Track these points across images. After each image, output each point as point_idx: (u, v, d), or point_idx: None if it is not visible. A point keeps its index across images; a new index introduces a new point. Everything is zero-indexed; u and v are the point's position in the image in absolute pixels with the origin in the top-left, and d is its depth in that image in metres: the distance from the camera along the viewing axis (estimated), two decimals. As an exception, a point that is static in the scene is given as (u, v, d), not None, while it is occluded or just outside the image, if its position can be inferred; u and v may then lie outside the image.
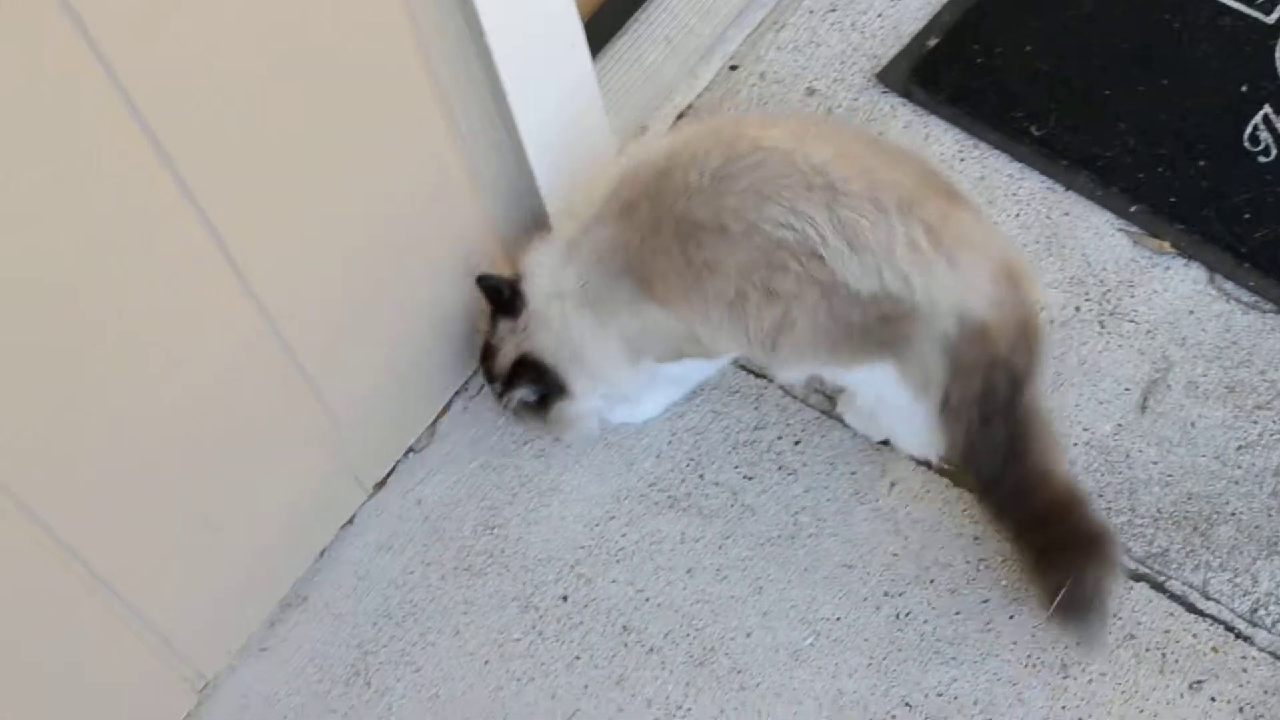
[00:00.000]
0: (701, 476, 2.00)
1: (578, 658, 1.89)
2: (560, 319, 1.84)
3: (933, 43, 2.27)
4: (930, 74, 2.24)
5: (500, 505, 2.00)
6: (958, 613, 1.87)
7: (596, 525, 1.98)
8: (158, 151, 1.43)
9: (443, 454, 2.05)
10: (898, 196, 1.66)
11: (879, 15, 2.33)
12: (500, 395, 1.92)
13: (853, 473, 1.98)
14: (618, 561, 1.95)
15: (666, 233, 1.72)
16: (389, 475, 2.04)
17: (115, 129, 1.39)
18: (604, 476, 2.00)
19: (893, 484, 1.96)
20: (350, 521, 2.01)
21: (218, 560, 1.84)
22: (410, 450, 2.06)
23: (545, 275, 1.85)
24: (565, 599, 1.93)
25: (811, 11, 2.34)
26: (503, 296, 1.89)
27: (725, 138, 1.72)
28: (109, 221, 1.43)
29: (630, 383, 1.92)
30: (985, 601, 1.87)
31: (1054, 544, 1.75)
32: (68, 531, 1.58)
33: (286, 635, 1.95)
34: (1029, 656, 1.83)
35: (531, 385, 1.89)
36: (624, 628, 1.90)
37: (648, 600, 1.92)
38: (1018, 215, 2.11)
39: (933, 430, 1.75)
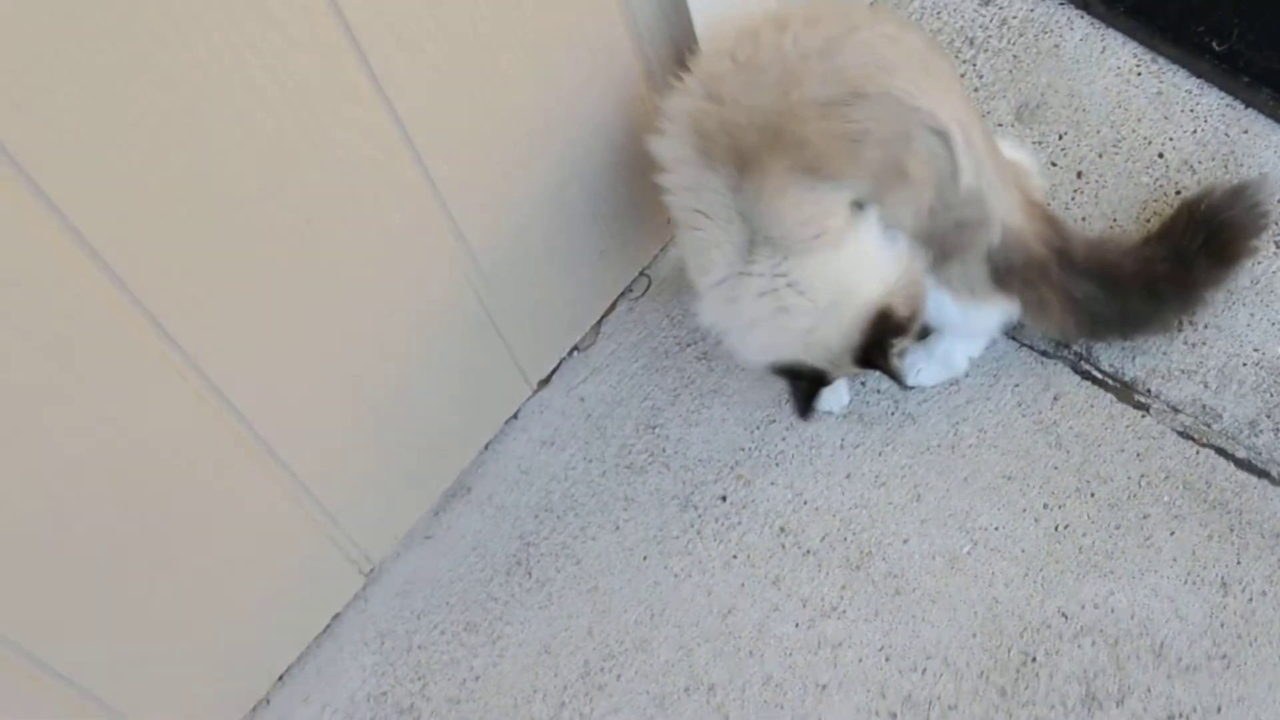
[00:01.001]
0: (864, 384, 2.00)
1: (735, 556, 1.92)
2: (827, 286, 1.71)
3: (1115, -45, 2.22)
4: None
5: (662, 405, 2.02)
6: (1117, 527, 1.86)
7: (757, 428, 2.00)
8: (349, 40, 1.46)
9: (606, 354, 2.08)
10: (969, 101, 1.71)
11: (1060, -76, 2.28)
12: (893, 373, 1.77)
13: (1016, 385, 1.97)
14: (777, 464, 1.97)
15: (791, 119, 1.61)
16: (554, 373, 2.07)
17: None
18: (765, 380, 1.99)
19: (1056, 397, 1.95)
20: (515, 416, 2.05)
21: (386, 447, 1.87)
22: (575, 349, 2.09)
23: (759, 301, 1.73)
24: (724, 499, 1.96)
25: (989, -79, 2.30)
26: (810, 381, 1.79)
27: (799, 21, 1.65)
28: (292, 96, 1.46)
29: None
30: (1145, 517, 1.87)
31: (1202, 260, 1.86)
32: (248, 409, 1.62)
33: (451, 524, 2.00)
34: (1189, 573, 1.82)
35: (894, 337, 1.74)
36: (781, 529, 1.93)
37: (805, 503, 1.94)
38: (1195, 132, 2.08)
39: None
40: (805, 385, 1.80)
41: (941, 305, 1.79)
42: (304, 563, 1.87)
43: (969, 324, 1.85)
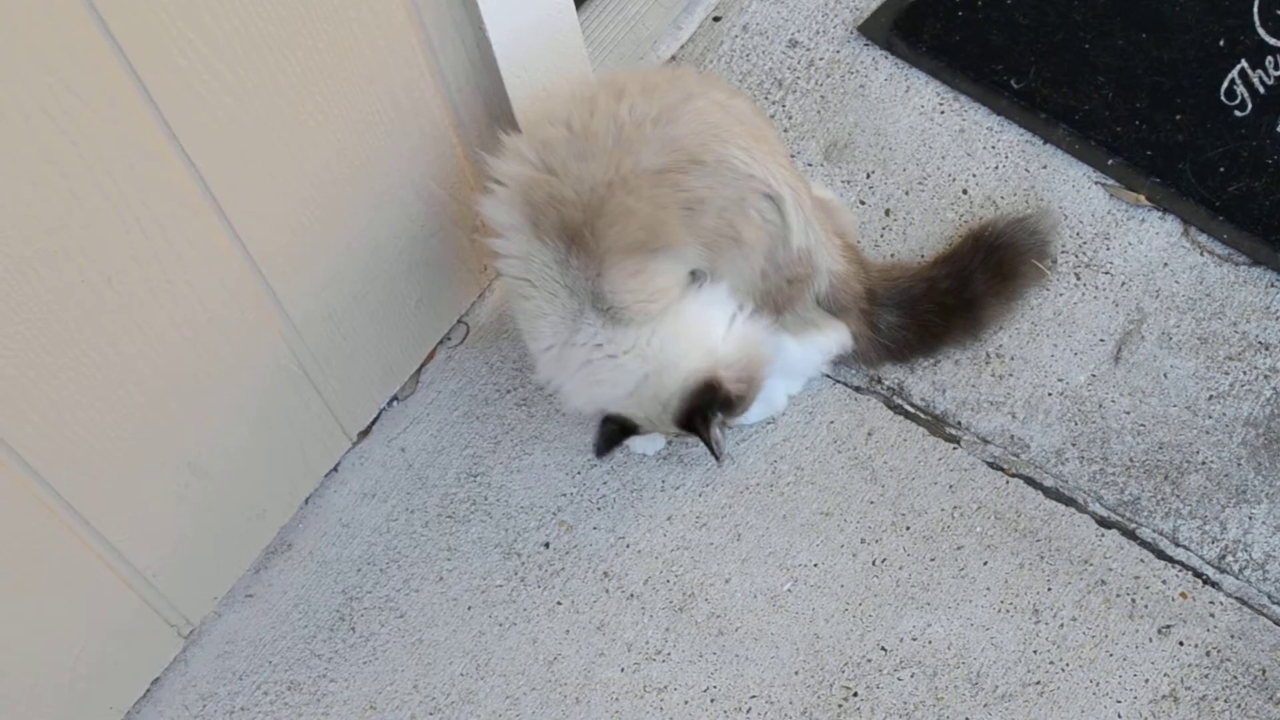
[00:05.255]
0: None
1: (559, 603, 1.90)
2: (643, 357, 1.71)
3: (913, -5, 2.25)
4: (912, 26, 2.22)
5: (483, 453, 2.00)
6: (932, 559, 1.88)
7: (578, 473, 1.98)
8: (134, 81, 1.43)
9: (426, 402, 2.05)
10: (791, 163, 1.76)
11: (861, -33, 2.31)
12: (714, 447, 1.77)
13: (831, 422, 1.98)
14: (599, 509, 1.96)
15: (620, 189, 1.62)
16: (373, 424, 2.04)
17: (90, 53, 1.38)
18: (585, 424, 1.98)
19: (870, 432, 1.96)
20: (335, 470, 2.01)
21: (203, 507, 1.83)
22: (394, 399, 2.06)
23: (628, 359, 1.72)
24: (547, 545, 1.94)
25: (794, -37, 2.32)
26: (620, 432, 1.80)
27: (635, 90, 1.66)
28: (87, 157, 1.43)
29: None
30: (959, 548, 1.88)
31: (989, 285, 1.92)
32: (51, 475, 1.58)
33: (272, 581, 1.96)
34: (1002, 602, 1.84)
35: (719, 412, 1.75)
36: (605, 574, 1.91)
37: (628, 547, 1.93)
38: (996, 168, 2.12)
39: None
40: (614, 429, 1.79)
41: (779, 348, 1.81)
42: (121, 628, 1.82)
43: (808, 358, 1.87)
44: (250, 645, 1.91)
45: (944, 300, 1.91)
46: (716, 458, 1.78)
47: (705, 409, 1.72)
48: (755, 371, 1.75)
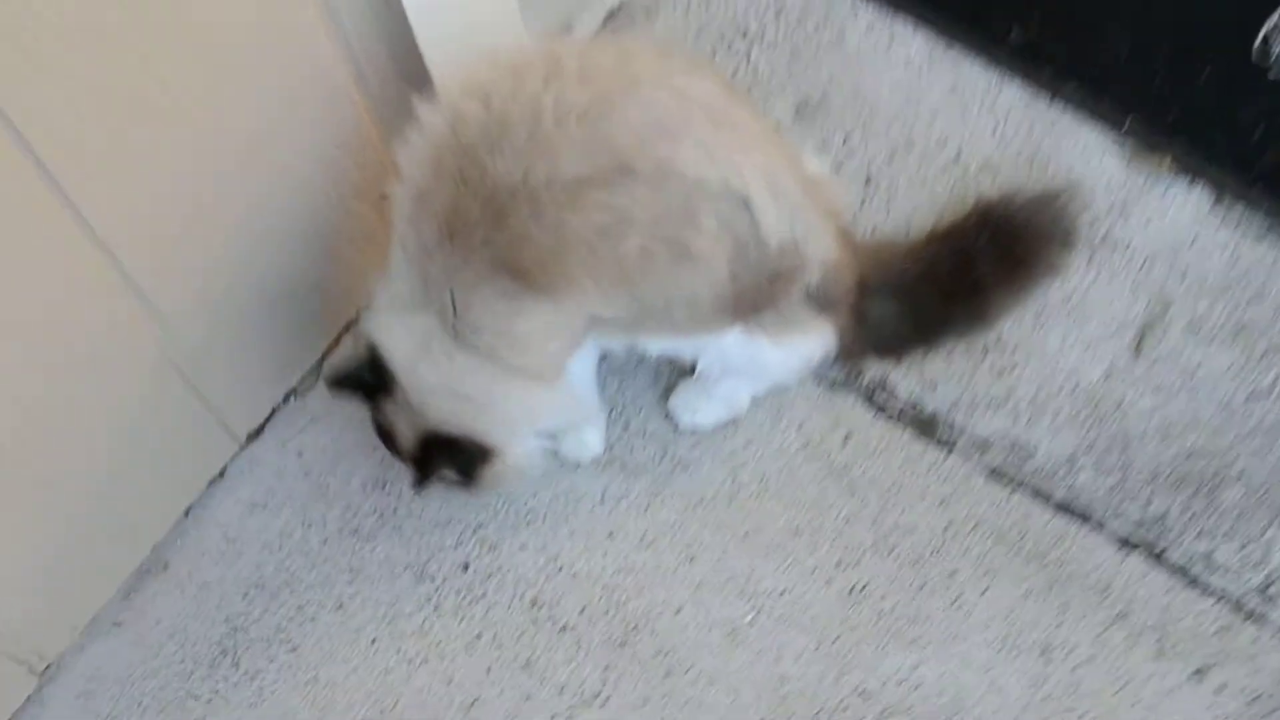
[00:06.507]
0: (626, 426, 1.87)
1: (479, 636, 1.79)
2: (441, 378, 1.60)
3: (899, -68, 2.15)
4: None
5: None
6: (921, 587, 1.76)
7: None
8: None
9: (328, 399, 1.91)
10: (777, 137, 1.63)
11: (837, -102, 2.21)
12: (419, 484, 1.68)
13: (801, 424, 1.85)
14: (527, 524, 1.84)
15: (525, 203, 1.47)
16: (265, 423, 1.93)
17: None
18: None
19: (847, 436, 1.83)
20: (220, 476, 1.90)
21: (61, 520, 1.71)
22: (291, 394, 1.93)
23: (398, 335, 1.60)
24: (466, 567, 1.82)
25: (760, -100, 2.23)
26: (365, 381, 1.64)
27: (570, 73, 1.51)
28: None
29: (556, 412, 1.71)
30: (953, 574, 1.76)
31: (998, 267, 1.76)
32: None
33: (144, 608, 1.84)
34: (1004, 638, 1.73)
35: (450, 464, 1.65)
36: (533, 602, 1.80)
37: (561, 570, 1.82)
38: (994, 130, 1.97)
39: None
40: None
41: (752, 351, 1.67)
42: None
43: (785, 364, 1.73)
44: (117, 683, 1.80)
45: (944, 285, 1.77)
46: (415, 487, 1.69)
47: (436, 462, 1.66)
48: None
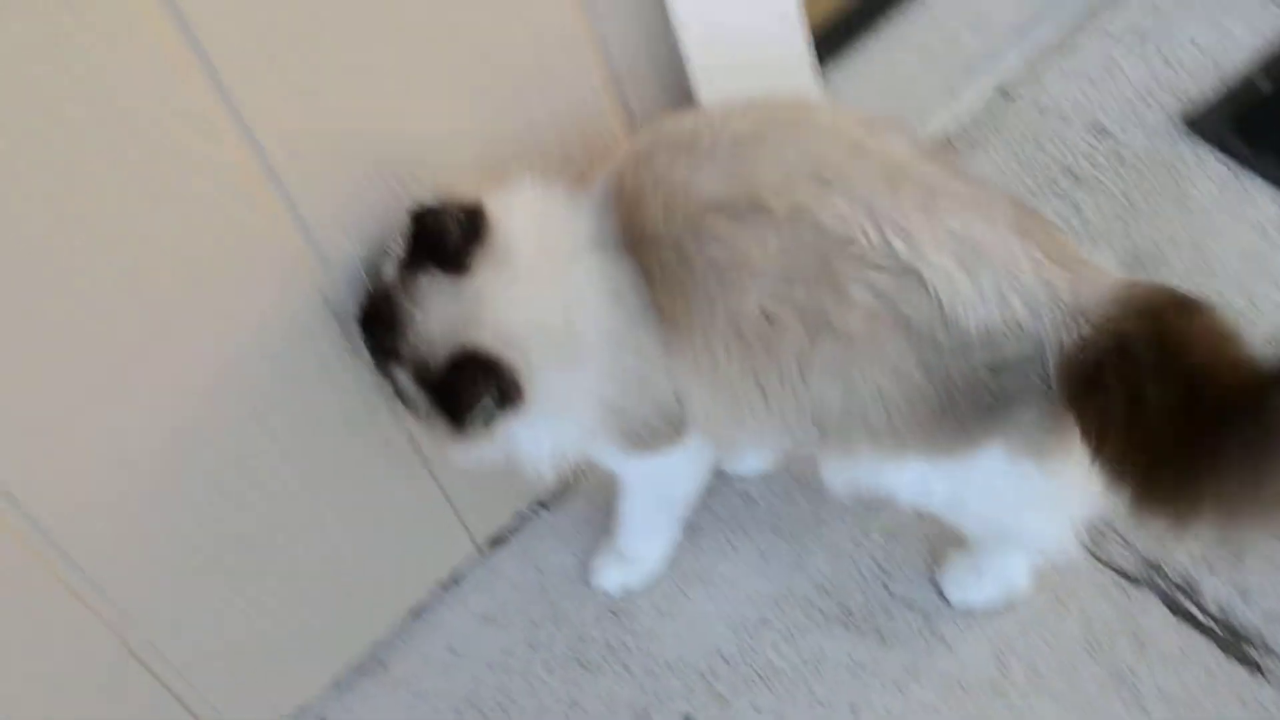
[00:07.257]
0: (888, 590, 1.71)
1: None
2: (557, 284, 1.37)
3: (1265, 86, 1.96)
4: (1256, 123, 1.95)
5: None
6: None
7: (745, 630, 1.72)
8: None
9: (576, 515, 1.83)
10: (994, 199, 1.32)
11: (1194, 44, 2.02)
12: (414, 402, 1.41)
13: (1087, 616, 1.64)
14: (764, 681, 1.67)
15: (677, 221, 1.32)
16: (511, 533, 1.83)
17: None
18: (765, 570, 1.74)
19: (1139, 638, 1.61)
20: (455, 583, 1.81)
21: (284, 604, 1.63)
22: (542, 506, 1.84)
23: (541, 216, 1.40)
24: (688, 719, 1.66)
25: (1110, 35, 2.06)
26: (446, 236, 1.36)
27: (740, 105, 1.37)
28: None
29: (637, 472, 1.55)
30: None
31: None
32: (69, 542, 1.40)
33: (353, 706, 1.75)
34: None
35: (494, 395, 1.36)
36: None
37: None
38: None
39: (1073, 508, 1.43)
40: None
41: (1016, 483, 1.38)
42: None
43: (1057, 503, 1.42)
44: (316, 786, 1.73)
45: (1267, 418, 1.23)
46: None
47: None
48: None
